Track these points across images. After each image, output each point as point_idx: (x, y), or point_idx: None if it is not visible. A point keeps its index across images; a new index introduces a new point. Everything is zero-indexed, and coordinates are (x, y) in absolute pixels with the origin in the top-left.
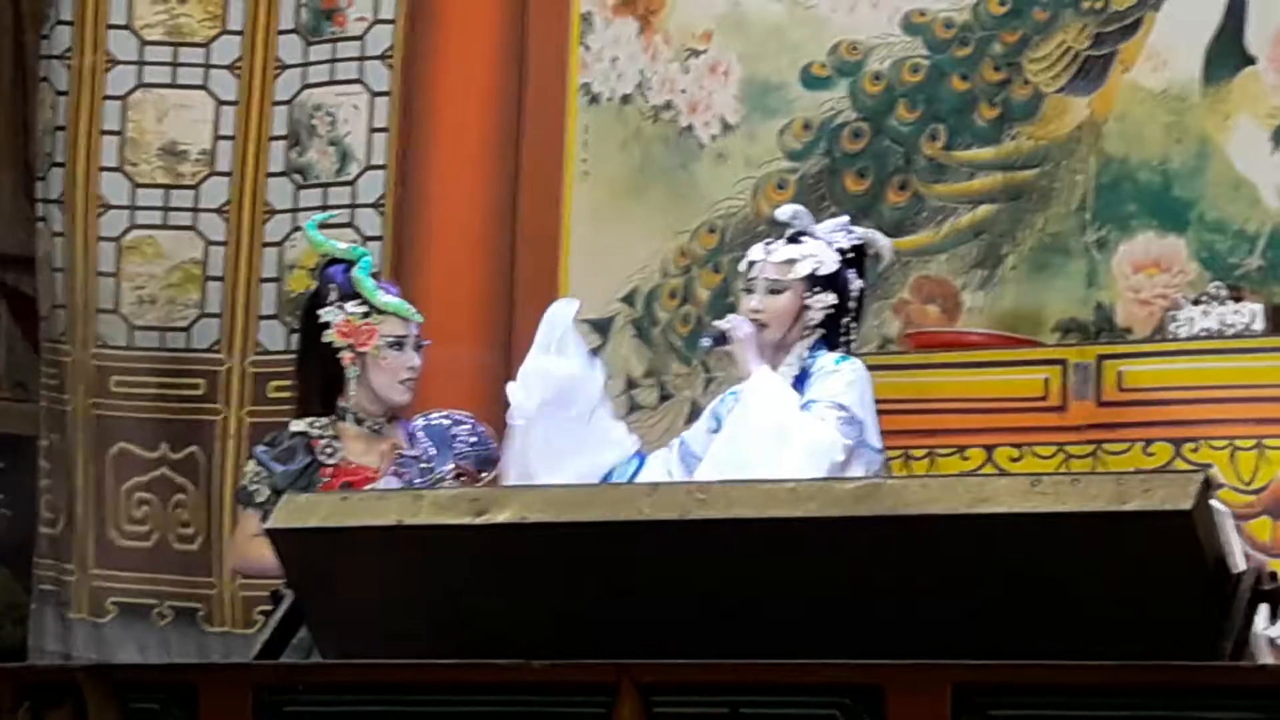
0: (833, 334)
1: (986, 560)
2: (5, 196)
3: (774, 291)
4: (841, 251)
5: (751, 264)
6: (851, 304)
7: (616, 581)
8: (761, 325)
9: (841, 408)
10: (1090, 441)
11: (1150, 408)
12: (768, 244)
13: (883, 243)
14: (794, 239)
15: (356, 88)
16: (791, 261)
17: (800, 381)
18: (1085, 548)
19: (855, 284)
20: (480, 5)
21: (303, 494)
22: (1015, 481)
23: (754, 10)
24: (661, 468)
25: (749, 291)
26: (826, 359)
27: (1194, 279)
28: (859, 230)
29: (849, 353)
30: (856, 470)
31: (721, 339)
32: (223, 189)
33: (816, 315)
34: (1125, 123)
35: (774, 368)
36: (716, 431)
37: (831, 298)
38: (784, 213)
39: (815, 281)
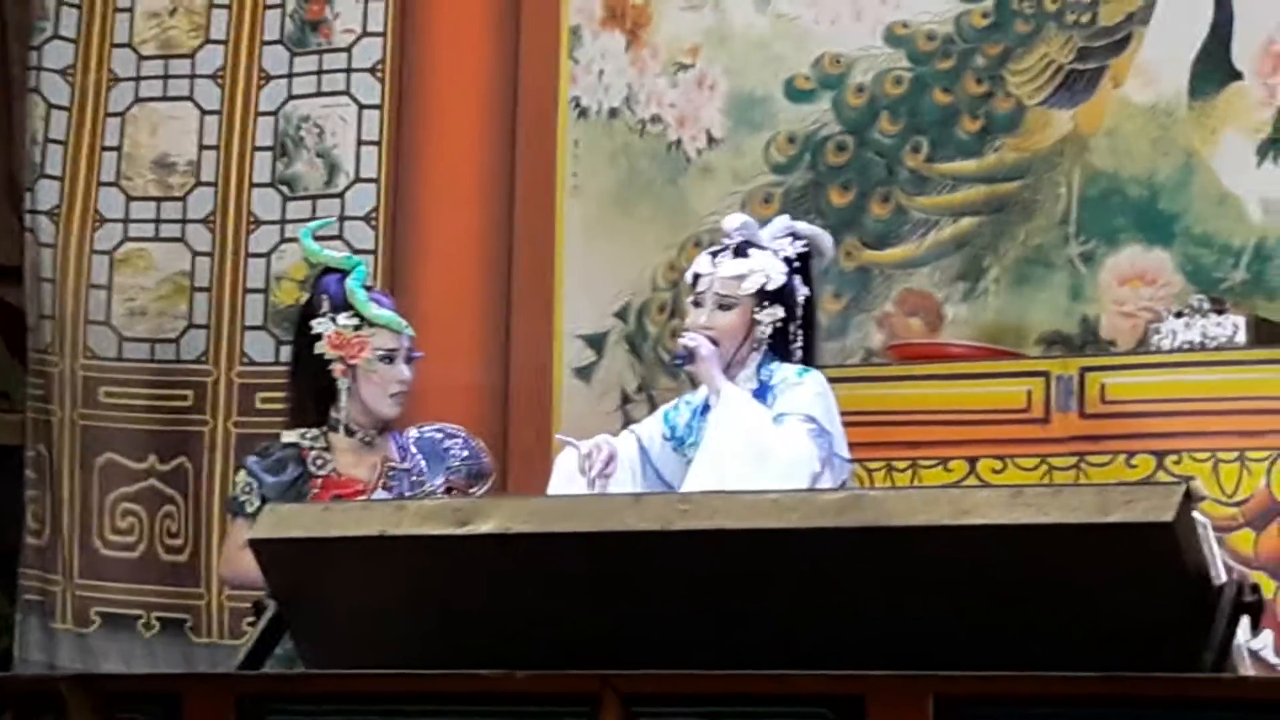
0: (782, 345)
1: (969, 571)
2: None
3: (723, 307)
4: (788, 260)
5: (697, 276)
6: (799, 313)
7: (599, 592)
8: (712, 341)
9: (811, 420)
10: (1073, 453)
11: (1133, 420)
12: (713, 256)
13: (826, 242)
14: (740, 251)
15: (343, 99)
16: (741, 277)
17: (760, 395)
18: (1067, 559)
19: (801, 292)
20: (470, 18)
21: (286, 504)
22: (997, 493)
23: (739, 23)
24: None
25: (697, 305)
26: (786, 371)
27: (1179, 292)
28: (803, 228)
29: (808, 364)
30: (828, 481)
31: (689, 356)
32: (209, 200)
33: (766, 330)
34: (1115, 138)
35: (731, 381)
36: (671, 440)
37: (780, 311)
38: (731, 223)
39: (764, 296)
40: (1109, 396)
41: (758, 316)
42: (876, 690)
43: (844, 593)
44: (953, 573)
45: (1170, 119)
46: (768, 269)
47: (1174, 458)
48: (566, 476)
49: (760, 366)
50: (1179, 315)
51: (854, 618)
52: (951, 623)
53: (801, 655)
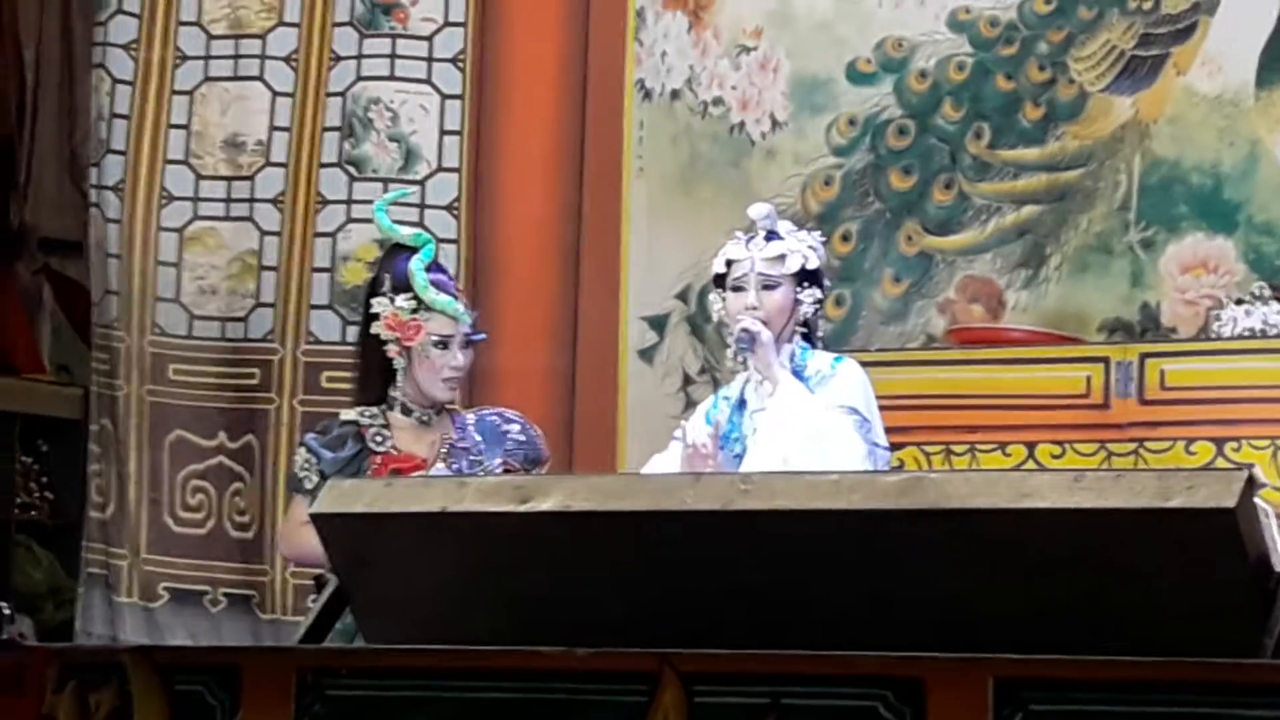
0: (811, 330)
1: (1028, 554)
2: (50, 181)
3: (767, 287)
4: (812, 249)
5: (730, 262)
6: (825, 299)
7: (659, 571)
8: (761, 323)
9: (854, 411)
10: (1132, 440)
11: (1193, 406)
12: (746, 242)
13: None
14: (771, 236)
15: (425, 88)
16: (781, 257)
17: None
18: (1128, 544)
19: (825, 281)
20: (545, 4)
21: (348, 480)
22: (1058, 477)
23: (801, 6)
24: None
25: (738, 290)
26: (820, 362)
27: (1241, 280)
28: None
29: (838, 352)
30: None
31: (752, 341)
32: (278, 180)
33: (808, 310)
34: (1177, 125)
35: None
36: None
37: (819, 292)
38: (757, 211)
39: (804, 276)
40: (1169, 383)
41: (800, 296)
42: (936, 672)
43: (904, 575)
44: (1012, 556)
45: (1236, 109)
46: (803, 250)
47: (1233, 445)
48: (683, 454)
49: (792, 353)
50: (1240, 303)
51: (913, 599)
52: (1011, 605)
53: (861, 636)
